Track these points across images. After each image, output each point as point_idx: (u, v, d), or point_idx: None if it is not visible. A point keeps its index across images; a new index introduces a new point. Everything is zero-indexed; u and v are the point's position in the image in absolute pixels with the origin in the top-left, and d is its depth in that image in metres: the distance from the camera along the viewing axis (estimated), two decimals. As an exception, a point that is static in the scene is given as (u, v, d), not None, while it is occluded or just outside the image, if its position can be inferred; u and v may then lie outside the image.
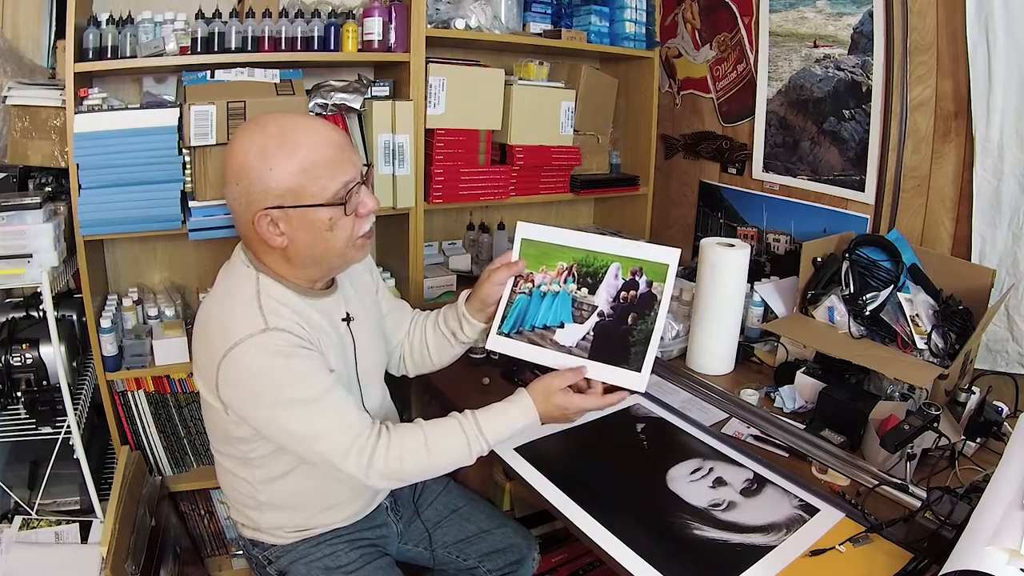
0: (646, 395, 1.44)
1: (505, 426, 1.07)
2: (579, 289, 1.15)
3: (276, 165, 0.97)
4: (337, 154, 1.00)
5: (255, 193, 0.98)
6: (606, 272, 1.14)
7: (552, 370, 1.13)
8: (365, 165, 1.07)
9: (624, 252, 1.13)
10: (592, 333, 1.12)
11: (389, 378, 1.33)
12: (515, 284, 1.21)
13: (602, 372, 1.10)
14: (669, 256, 1.10)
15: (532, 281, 1.20)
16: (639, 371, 1.07)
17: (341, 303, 1.15)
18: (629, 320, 1.10)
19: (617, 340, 1.10)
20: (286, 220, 0.99)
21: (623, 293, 1.12)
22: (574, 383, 1.09)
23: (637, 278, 1.11)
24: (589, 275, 1.15)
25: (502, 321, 1.20)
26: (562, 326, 1.15)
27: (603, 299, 1.13)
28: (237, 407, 1.01)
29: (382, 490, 1.26)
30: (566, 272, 1.17)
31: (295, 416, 0.98)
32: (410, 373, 1.37)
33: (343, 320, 1.14)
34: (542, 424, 1.09)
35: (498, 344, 1.20)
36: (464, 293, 1.26)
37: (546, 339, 1.16)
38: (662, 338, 1.62)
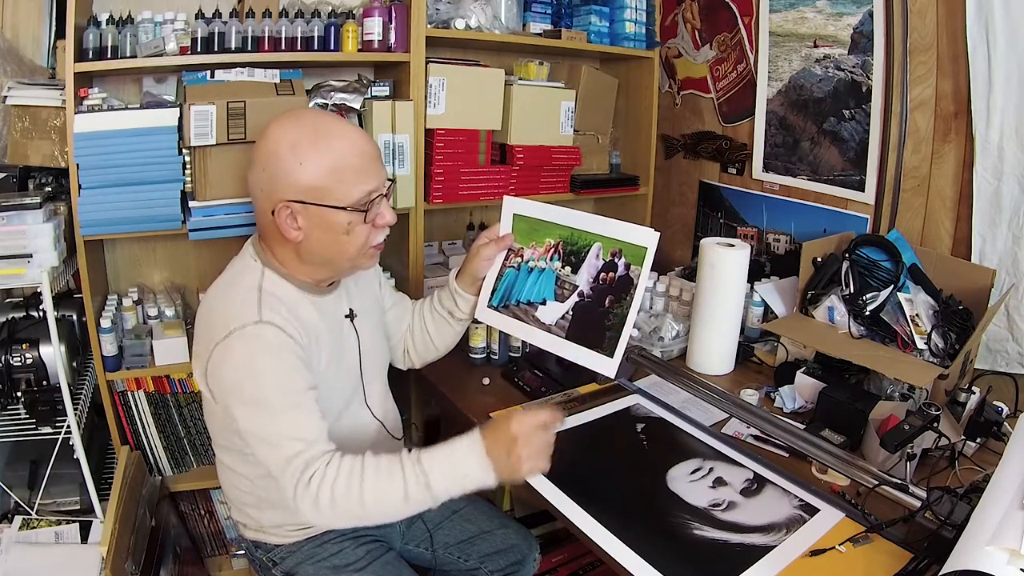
0: (646, 395, 1.45)
1: (447, 463, 0.96)
2: (563, 267, 1.16)
3: (307, 160, 0.99)
4: (366, 163, 1.03)
5: (280, 183, 1.00)
6: (589, 251, 1.14)
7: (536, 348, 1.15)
8: (389, 180, 1.09)
9: (605, 232, 1.13)
10: (571, 313, 1.13)
11: (389, 378, 1.33)
12: (506, 257, 1.23)
13: (576, 353, 1.10)
14: (648, 239, 1.08)
15: (522, 256, 1.21)
16: (611, 356, 1.07)
17: (344, 300, 1.16)
18: (606, 303, 1.10)
19: (594, 322, 1.10)
20: (305, 216, 1.01)
21: (602, 274, 1.12)
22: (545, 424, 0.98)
23: (617, 260, 1.11)
24: (573, 253, 1.16)
25: (492, 294, 1.22)
26: (544, 303, 1.16)
27: (584, 279, 1.14)
28: (219, 394, 1.01)
29: None
30: (552, 249, 1.18)
31: (259, 415, 0.97)
32: (416, 364, 1.38)
33: (346, 316, 1.15)
34: (487, 455, 0.95)
35: (487, 316, 1.23)
36: (453, 270, 1.29)
37: (528, 315, 1.17)
38: (661, 338, 1.62)
